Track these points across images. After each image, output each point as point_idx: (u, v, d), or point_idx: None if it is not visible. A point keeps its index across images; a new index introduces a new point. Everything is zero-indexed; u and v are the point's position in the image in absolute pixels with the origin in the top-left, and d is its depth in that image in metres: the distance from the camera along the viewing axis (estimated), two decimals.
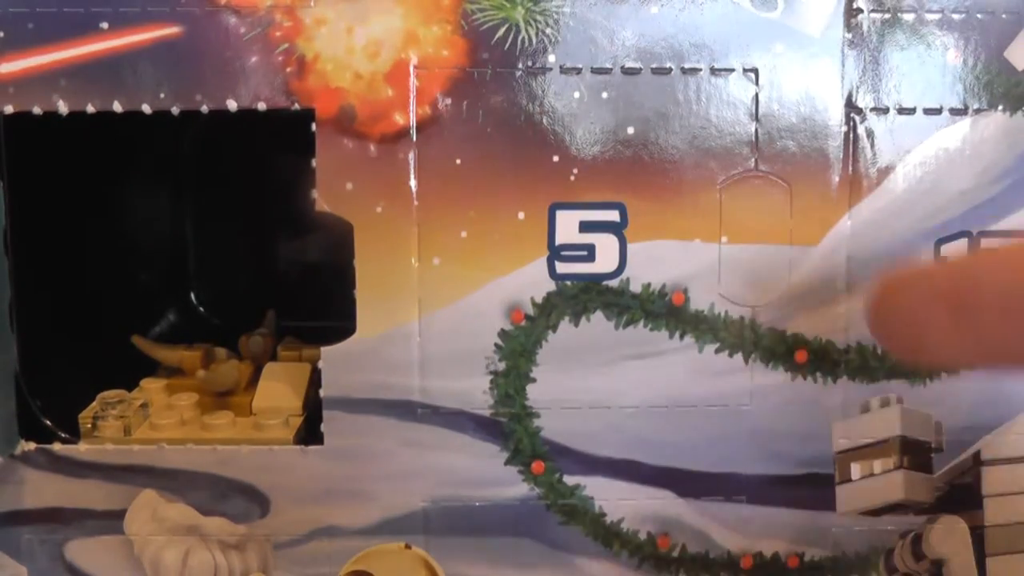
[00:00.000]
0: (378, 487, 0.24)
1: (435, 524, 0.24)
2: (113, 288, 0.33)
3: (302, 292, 0.35)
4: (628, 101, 0.22)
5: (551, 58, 0.22)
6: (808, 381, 0.24)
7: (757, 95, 0.23)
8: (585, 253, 0.23)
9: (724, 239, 0.23)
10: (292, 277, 0.36)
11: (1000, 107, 0.23)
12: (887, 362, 0.24)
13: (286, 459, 0.24)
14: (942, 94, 0.23)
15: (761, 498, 0.24)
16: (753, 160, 0.23)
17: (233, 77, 0.22)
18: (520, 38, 0.22)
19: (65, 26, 0.22)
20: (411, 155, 0.22)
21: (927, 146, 0.23)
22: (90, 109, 0.22)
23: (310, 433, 0.25)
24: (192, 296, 0.36)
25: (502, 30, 0.22)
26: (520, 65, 0.22)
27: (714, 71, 0.23)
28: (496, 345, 0.23)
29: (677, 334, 0.24)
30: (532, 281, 0.23)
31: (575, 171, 0.23)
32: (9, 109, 0.22)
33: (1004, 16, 0.23)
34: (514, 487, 0.24)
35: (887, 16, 0.23)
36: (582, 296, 0.23)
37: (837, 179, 0.23)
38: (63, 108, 0.22)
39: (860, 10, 0.23)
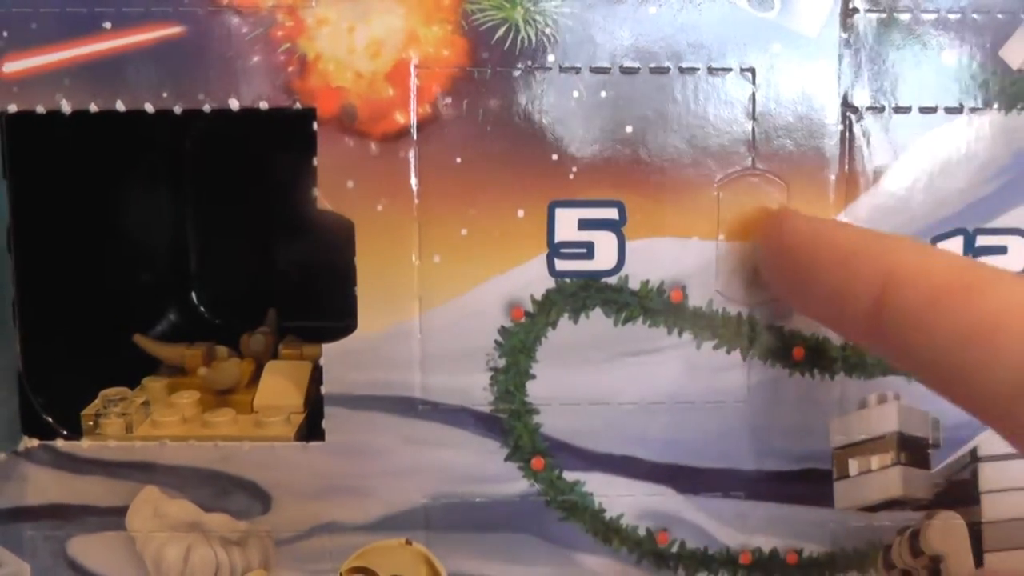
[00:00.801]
0: (379, 483, 0.24)
1: (436, 520, 0.24)
2: (113, 287, 0.33)
3: (302, 292, 0.35)
4: (626, 100, 0.23)
5: (550, 58, 0.22)
6: (805, 378, 0.24)
7: (754, 94, 0.23)
8: (584, 251, 0.23)
9: (721, 237, 0.23)
10: (292, 277, 0.36)
11: (996, 106, 0.23)
12: (884, 359, 0.24)
13: (287, 456, 0.24)
14: (938, 93, 0.23)
15: (759, 494, 0.24)
16: (750, 159, 0.23)
17: (235, 76, 0.22)
18: (519, 38, 0.22)
19: (68, 26, 0.22)
20: (412, 154, 0.23)
21: (923, 144, 0.23)
22: (93, 108, 0.22)
23: (311, 430, 0.25)
24: (193, 296, 0.36)
25: (502, 30, 0.22)
26: (519, 65, 0.22)
27: (711, 71, 0.23)
28: (496, 342, 0.23)
29: (675, 331, 0.24)
30: (532, 278, 0.23)
31: (574, 169, 0.23)
32: (13, 108, 0.22)
33: (1000, 16, 0.23)
34: (514, 483, 0.24)
35: (883, 16, 0.23)
36: (581, 293, 0.23)
37: (833, 177, 0.23)
38: (67, 107, 0.22)
39: (856, 10, 0.23)
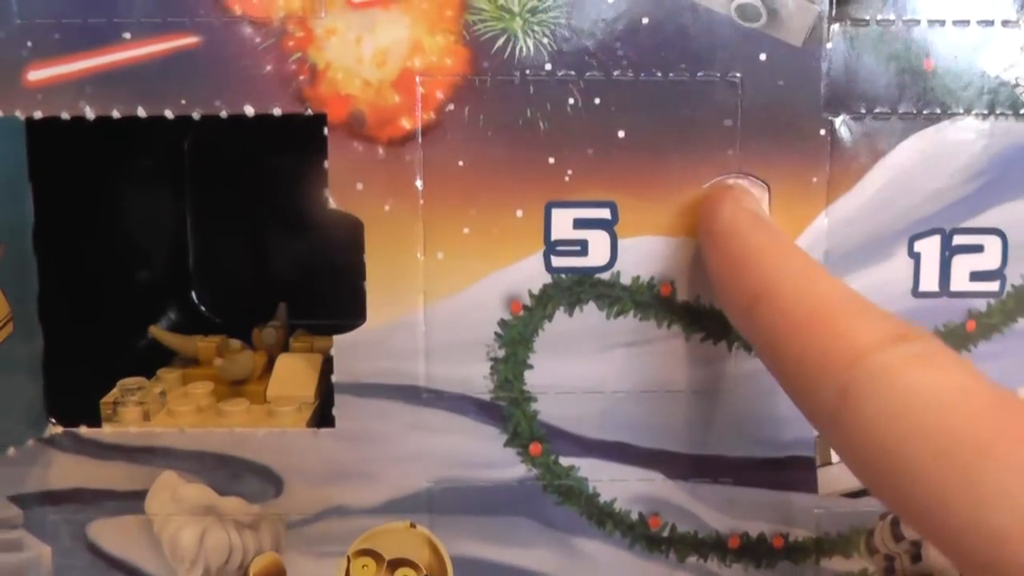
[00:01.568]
0: (385, 468, 0.24)
1: (439, 504, 0.25)
2: (114, 285, 0.33)
3: (300, 290, 0.35)
4: (619, 107, 0.23)
5: (547, 66, 0.23)
6: None
7: (740, 101, 0.23)
8: (579, 248, 0.24)
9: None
10: (293, 276, 0.36)
11: (974, 112, 0.24)
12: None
13: (299, 441, 0.24)
14: (918, 99, 0.23)
15: (746, 480, 0.25)
16: (736, 162, 0.23)
17: (250, 84, 0.22)
18: (518, 47, 0.23)
19: (89, 36, 0.22)
20: (417, 157, 0.23)
21: (903, 148, 0.24)
22: (116, 115, 0.22)
23: (322, 421, 0.25)
24: (193, 295, 0.36)
25: (501, 40, 0.23)
26: (518, 73, 0.23)
27: (700, 79, 0.23)
28: (496, 334, 0.24)
29: (665, 324, 0.24)
30: (529, 274, 0.24)
31: (569, 172, 0.23)
32: (38, 115, 0.22)
33: (977, 24, 0.23)
34: (513, 468, 0.24)
35: (865, 26, 0.23)
36: (576, 288, 0.24)
37: (815, 180, 0.23)
38: (90, 114, 0.22)
39: (840, 20, 0.23)
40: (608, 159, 0.23)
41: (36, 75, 0.22)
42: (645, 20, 0.23)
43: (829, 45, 0.23)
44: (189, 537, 0.25)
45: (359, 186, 0.23)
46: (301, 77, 0.23)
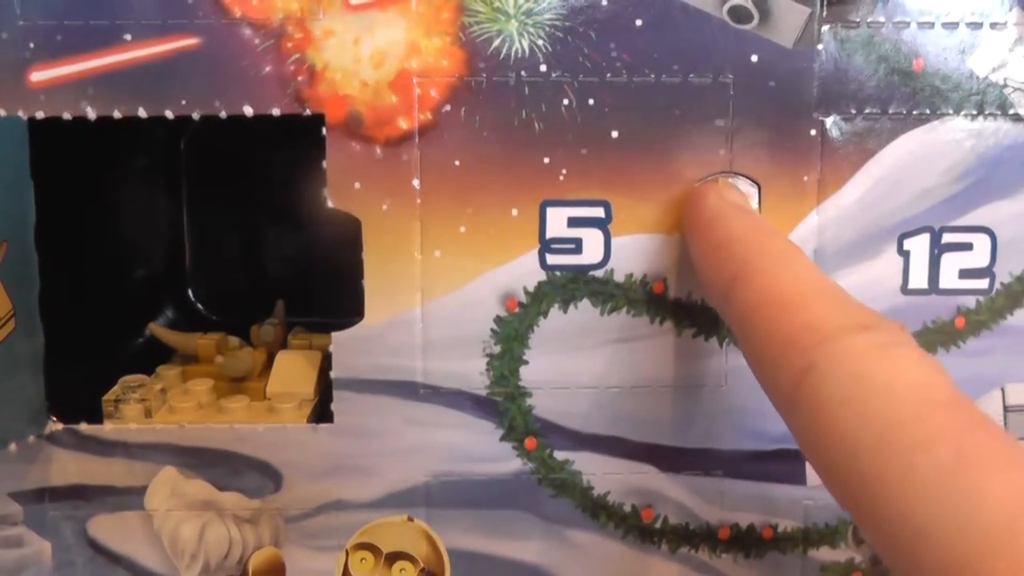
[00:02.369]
0: (383, 463, 0.25)
1: (436, 497, 0.25)
2: (111, 283, 0.33)
3: (298, 289, 0.35)
4: (613, 107, 0.23)
5: (542, 68, 0.23)
6: None
7: (732, 102, 0.23)
8: (573, 246, 0.24)
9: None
10: (289, 274, 0.36)
11: (963, 112, 0.24)
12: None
13: (298, 436, 0.24)
14: (907, 99, 0.24)
15: (737, 472, 0.25)
16: (728, 161, 0.24)
17: (249, 85, 0.23)
18: (514, 49, 0.23)
19: (91, 38, 0.22)
20: (414, 157, 0.23)
21: (893, 148, 0.24)
22: (117, 115, 0.23)
23: (321, 417, 0.25)
24: (190, 292, 0.36)
25: (497, 41, 0.23)
26: (514, 74, 0.23)
27: (693, 80, 0.23)
28: (492, 330, 0.24)
29: (657, 320, 0.24)
30: (525, 272, 0.24)
31: (564, 171, 0.23)
32: (40, 115, 0.22)
33: (966, 25, 0.24)
34: (509, 462, 0.25)
35: (856, 27, 0.23)
36: (570, 285, 0.24)
37: (806, 179, 0.24)
38: (91, 114, 0.23)
39: (831, 22, 0.23)
40: (602, 159, 0.23)
41: (39, 76, 0.23)
42: (638, 22, 0.23)
43: (820, 47, 0.23)
44: (189, 532, 0.25)
45: (357, 185, 0.23)
46: (300, 78, 0.23)
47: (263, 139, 0.31)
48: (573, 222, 0.24)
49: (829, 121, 0.24)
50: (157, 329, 0.32)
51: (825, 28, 0.23)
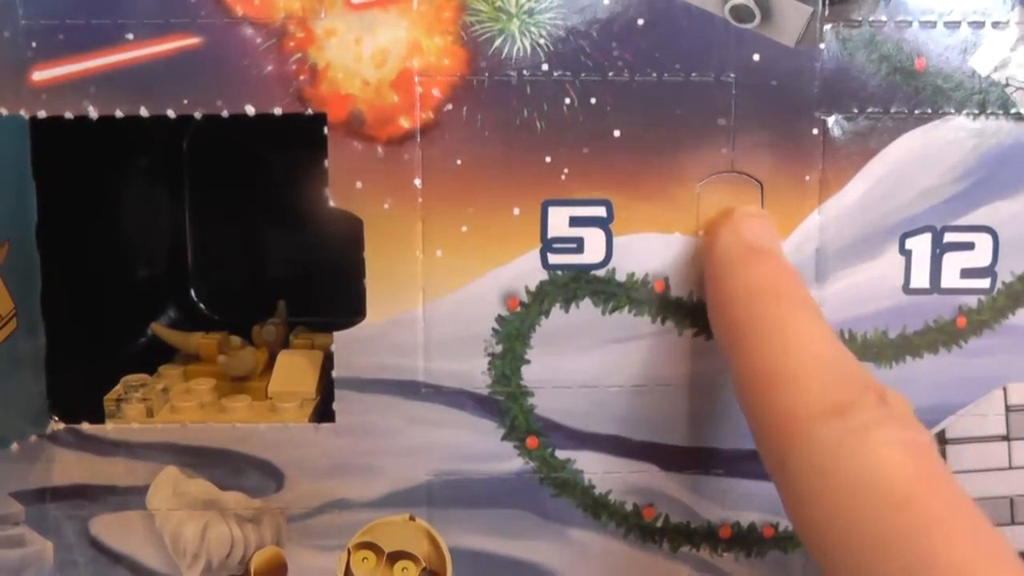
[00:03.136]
0: (385, 462, 0.25)
1: (437, 497, 0.25)
2: (114, 283, 0.33)
3: (300, 288, 0.35)
4: (615, 107, 0.23)
5: (544, 67, 0.23)
6: None
7: (734, 101, 0.23)
8: (575, 245, 0.24)
9: (701, 233, 0.24)
10: (291, 274, 0.36)
11: (965, 111, 0.24)
12: (855, 345, 0.25)
13: (301, 436, 0.24)
14: (909, 99, 0.24)
15: (738, 471, 0.25)
16: (730, 161, 0.24)
17: (251, 84, 0.23)
18: (515, 48, 0.23)
19: (93, 37, 0.22)
20: (416, 156, 0.23)
21: (895, 147, 0.24)
22: (118, 114, 0.23)
23: (323, 416, 0.25)
24: (192, 292, 0.36)
25: (499, 40, 0.23)
26: (515, 73, 0.23)
27: (695, 79, 0.23)
28: (493, 329, 0.24)
29: (659, 319, 0.24)
30: (526, 271, 0.24)
31: (566, 170, 0.23)
32: (42, 114, 0.23)
33: (968, 24, 0.24)
34: (510, 461, 0.25)
35: (858, 27, 0.23)
36: (572, 284, 0.24)
37: (808, 178, 0.24)
38: (93, 113, 0.23)
39: (832, 21, 0.23)
40: (604, 158, 0.24)
41: (41, 75, 0.23)
42: (640, 21, 0.23)
43: (822, 46, 0.23)
44: (191, 531, 0.25)
45: (358, 185, 0.23)
46: (301, 77, 0.23)
47: (266, 139, 0.31)
48: (575, 221, 0.24)
49: (831, 120, 0.24)
50: (159, 329, 0.32)
51: (827, 27, 0.23)
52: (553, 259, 0.24)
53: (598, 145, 0.23)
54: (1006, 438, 0.26)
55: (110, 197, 0.34)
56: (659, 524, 0.26)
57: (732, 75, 0.23)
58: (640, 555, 0.26)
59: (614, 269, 0.24)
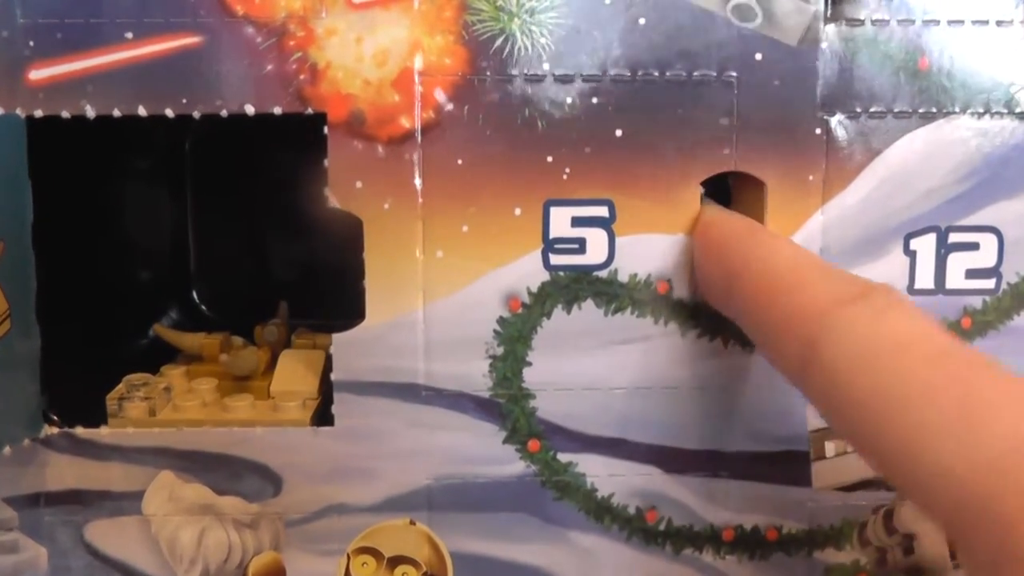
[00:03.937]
0: (385, 466, 0.24)
1: (438, 501, 0.25)
2: (115, 284, 0.33)
3: (301, 289, 0.35)
4: (616, 106, 0.23)
5: (545, 66, 0.23)
6: None
7: (737, 101, 0.23)
8: (577, 246, 0.24)
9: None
10: (292, 275, 0.36)
11: (969, 111, 0.24)
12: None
13: (298, 439, 0.24)
14: (913, 98, 0.24)
15: (741, 474, 0.25)
16: (732, 160, 0.24)
17: (251, 83, 0.22)
18: (517, 47, 0.23)
19: (92, 36, 0.22)
20: (416, 156, 0.23)
21: (898, 147, 0.24)
22: (116, 113, 0.22)
23: (325, 416, 0.25)
24: (194, 294, 0.36)
25: (500, 40, 0.23)
26: (517, 72, 0.23)
27: (697, 78, 0.23)
28: (495, 331, 0.24)
29: (661, 320, 0.24)
30: (528, 272, 0.24)
31: (567, 170, 0.23)
32: (39, 113, 0.22)
33: (972, 24, 0.24)
34: (512, 465, 0.25)
35: (860, 26, 0.23)
36: (574, 285, 0.24)
37: (811, 178, 0.24)
38: (91, 112, 0.22)
39: (835, 20, 0.23)
40: (606, 158, 0.23)
41: (38, 74, 0.23)
42: (642, 20, 0.23)
43: (825, 45, 0.23)
44: (188, 537, 0.25)
45: (359, 185, 0.23)
46: (302, 76, 0.23)
47: (268, 140, 0.30)
48: (577, 222, 0.24)
49: (834, 120, 0.24)
50: (161, 330, 0.31)
51: (830, 26, 0.23)
52: (555, 260, 0.24)
53: (600, 145, 0.23)
54: None
55: (113, 199, 0.34)
56: (662, 527, 0.26)
57: (734, 75, 0.23)
58: (643, 558, 0.26)
59: (617, 270, 0.24)
